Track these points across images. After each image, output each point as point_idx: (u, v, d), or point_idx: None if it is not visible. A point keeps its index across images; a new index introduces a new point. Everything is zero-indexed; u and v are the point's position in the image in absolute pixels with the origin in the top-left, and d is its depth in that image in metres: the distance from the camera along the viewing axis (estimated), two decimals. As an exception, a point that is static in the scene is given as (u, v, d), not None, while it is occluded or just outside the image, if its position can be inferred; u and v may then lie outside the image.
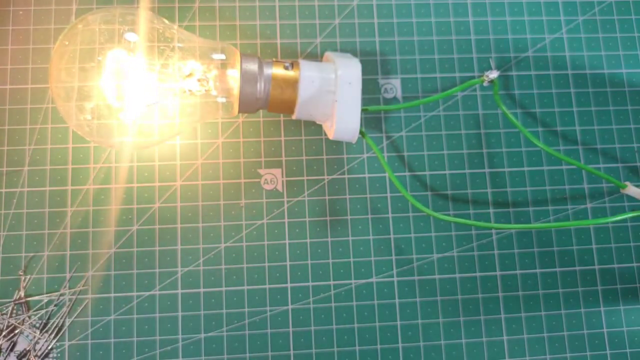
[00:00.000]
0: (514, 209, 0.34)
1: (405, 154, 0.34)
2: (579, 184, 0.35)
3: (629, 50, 0.36)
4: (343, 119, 0.28)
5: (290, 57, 0.35)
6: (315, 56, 0.35)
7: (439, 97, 0.32)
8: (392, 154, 0.34)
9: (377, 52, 0.35)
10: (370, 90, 0.35)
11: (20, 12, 0.34)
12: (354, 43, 0.35)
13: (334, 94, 0.28)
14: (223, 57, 0.29)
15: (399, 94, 0.35)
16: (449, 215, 0.34)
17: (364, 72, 0.35)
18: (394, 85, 0.35)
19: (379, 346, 0.32)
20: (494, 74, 0.31)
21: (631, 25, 0.36)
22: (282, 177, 0.34)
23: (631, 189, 0.33)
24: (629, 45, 0.36)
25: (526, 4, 0.36)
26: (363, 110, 0.32)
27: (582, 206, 0.34)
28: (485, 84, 0.32)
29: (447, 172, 0.34)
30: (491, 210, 0.34)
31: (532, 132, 0.35)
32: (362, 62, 0.35)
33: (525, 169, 0.34)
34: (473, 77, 0.35)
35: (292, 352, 0.32)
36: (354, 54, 0.35)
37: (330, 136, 0.30)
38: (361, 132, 0.31)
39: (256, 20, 0.35)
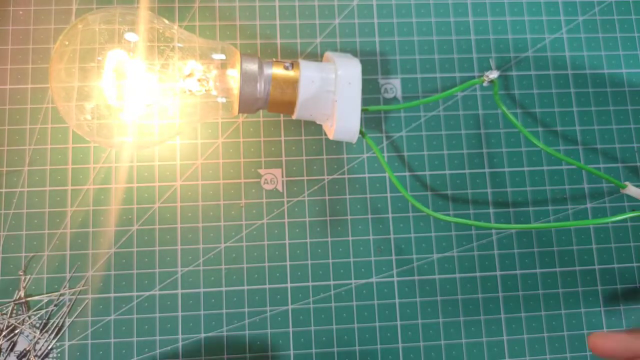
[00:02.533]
0: (514, 209, 0.34)
1: (405, 154, 0.34)
2: (579, 184, 0.35)
3: (629, 50, 0.36)
4: (343, 119, 0.28)
5: (290, 57, 0.35)
6: (315, 56, 0.35)
7: (439, 97, 0.32)
8: (392, 154, 0.34)
9: (377, 52, 0.35)
10: (370, 90, 0.35)
11: (20, 12, 0.34)
12: (354, 43, 0.35)
13: (334, 93, 0.28)
14: (223, 57, 0.29)
15: (399, 94, 0.35)
16: (448, 215, 0.34)
17: (364, 72, 0.35)
18: (394, 85, 0.35)
19: (379, 346, 0.32)
20: (494, 74, 0.31)
21: (631, 25, 0.36)
22: (282, 177, 0.34)
23: (631, 189, 0.33)
24: (629, 45, 0.36)
25: (526, 4, 0.36)
26: (363, 110, 0.32)
27: (582, 206, 0.34)
28: (485, 84, 0.32)
29: (447, 172, 0.34)
30: (491, 210, 0.34)
31: (532, 132, 0.35)
32: (362, 62, 0.35)
33: (525, 169, 0.34)
34: (473, 77, 0.35)
35: (292, 352, 0.32)
36: (354, 54, 0.35)
37: (330, 136, 0.30)
38: (361, 132, 0.31)
39: (256, 20, 0.35)
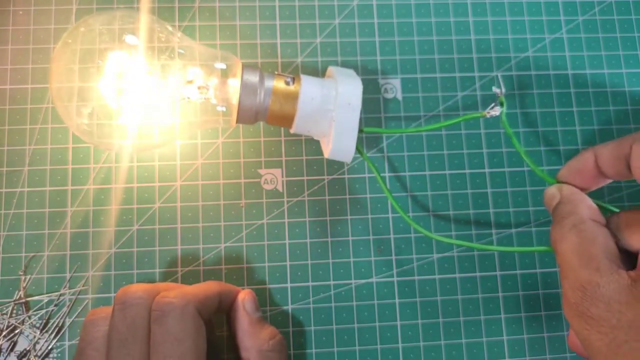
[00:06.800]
0: (514, 209, 0.34)
1: (405, 154, 0.34)
2: (579, 184, 0.35)
3: (629, 50, 0.36)
4: (339, 139, 0.28)
5: (290, 57, 0.35)
6: (315, 56, 0.35)
7: (440, 125, 0.31)
8: (392, 154, 0.34)
9: (377, 52, 0.35)
10: (370, 90, 0.35)
11: (20, 12, 0.34)
12: (354, 43, 0.35)
13: (332, 112, 0.28)
14: (224, 66, 0.29)
15: (399, 94, 0.35)
16: (448, 214, 0.34)
17: (364, 72, 0.35)
18: (394, 85, 0.35)
19: (379, 346, 0.32)
20: (495, 111, 0.29)
21: (631, 25, 0.36)
22: (282, 177, 0.34)
23: None
24: (629, 45, 0.36)
25: (526, 4, 0.36)
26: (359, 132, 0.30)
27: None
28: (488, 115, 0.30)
29: (447, 172, 0.34)
30: (491, 210, 0.34)
31: (532, 133, 0.35)
32: (362, 62, 0.35)
33: (525, 169, 0.34)
34: (473, 78, 0.35)
35: (292, 352, 0.32)
36: (354, 54, 0.35)
37: (326, 155, 0.29)
38: (360, 151, 0.31)
39: (256, 20, 0.35)
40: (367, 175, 0.34)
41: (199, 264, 0.32)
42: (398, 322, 0.33)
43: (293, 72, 0.34)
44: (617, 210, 0.31)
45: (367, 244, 0.33)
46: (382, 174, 0.34)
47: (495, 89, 0.29)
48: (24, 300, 0.31)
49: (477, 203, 0.34)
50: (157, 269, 0.32)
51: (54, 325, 0.31)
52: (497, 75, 0.34)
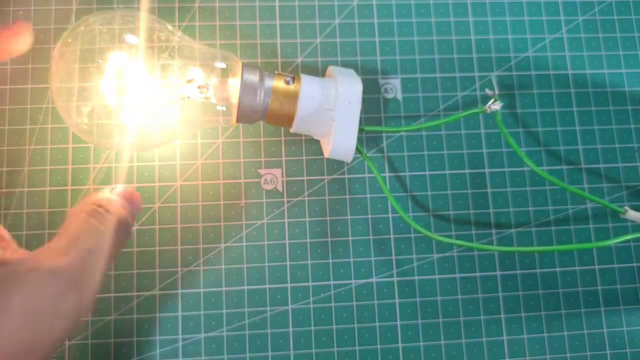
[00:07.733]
0: (514, 209, 0.34)
1: (405, 154, 0.34)
2: (579, 183, 0.35)
3: (629, 50, 0.36)
4: (339, 139, 0.28)
5: (290, 57, 0.35)
6: (315, 56, 0.35)
7: (441, 122, 0.31)
8: (392, 154, 0.34)
9: (377, 52, 0.35)
10: (370, 90, 0.35)
11: (20, 12, 0.34)
12: (354, 43, 0.35)
13: (332, 112, 0.28)
14: (224, 65, 0.29)
15: (399, 94, 0.35)
16: (448, 214, 0.34)
17: (364, 72, 0.35)
18: (394, 85, 0.35)
19: (379, 346, 0.32)
20: (496, 106, 0.30)
21: (631, 25, 0.36)
22: (282, 177, 0.34)
23: (630, 214, 0.32)
24: (629, 45, 0.36)
25: (526, 4, 0.36)
26: (359, 130, 0.31)
27: (582, 206, 0.34)
28: (488, 111, 0.31)
29: (447, 172, 0.34)
30: (491, 210, 0.34)
31: (531, 133, 0.35)
32: (362, 62, 0.35)
33: (525, 169, 0.34)
34: (473, 78, 0.35)
35: (292, 352, 0.32)
36: (354, 54, 0.35)
37: (326, 154, 0.29)
38: (360, 151, 0.31)
39: (256, 20, 0.35)
40: (367, 175, 0.34)
41: (199, 264, 0.32)
42: (398, 322, 0.33)
43: (293, 72, 0.34)
44: (621, 210, 0.31)
45: (367, 244, 0.33)
46: (382, 174, 0.34)
47: (487, 91, 0.30)
48: (23, 300, 0.31)
49: (477, 203, 0.34)
50: (157, 269, 0.32)
51: (54, 325, 0.31)
52: (492, 77, 0.34)
